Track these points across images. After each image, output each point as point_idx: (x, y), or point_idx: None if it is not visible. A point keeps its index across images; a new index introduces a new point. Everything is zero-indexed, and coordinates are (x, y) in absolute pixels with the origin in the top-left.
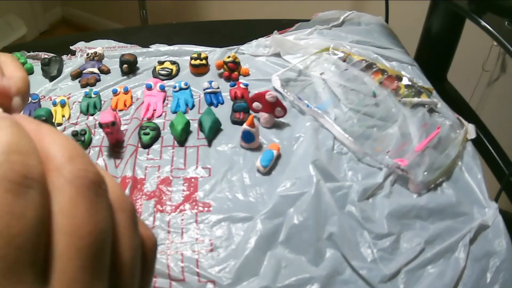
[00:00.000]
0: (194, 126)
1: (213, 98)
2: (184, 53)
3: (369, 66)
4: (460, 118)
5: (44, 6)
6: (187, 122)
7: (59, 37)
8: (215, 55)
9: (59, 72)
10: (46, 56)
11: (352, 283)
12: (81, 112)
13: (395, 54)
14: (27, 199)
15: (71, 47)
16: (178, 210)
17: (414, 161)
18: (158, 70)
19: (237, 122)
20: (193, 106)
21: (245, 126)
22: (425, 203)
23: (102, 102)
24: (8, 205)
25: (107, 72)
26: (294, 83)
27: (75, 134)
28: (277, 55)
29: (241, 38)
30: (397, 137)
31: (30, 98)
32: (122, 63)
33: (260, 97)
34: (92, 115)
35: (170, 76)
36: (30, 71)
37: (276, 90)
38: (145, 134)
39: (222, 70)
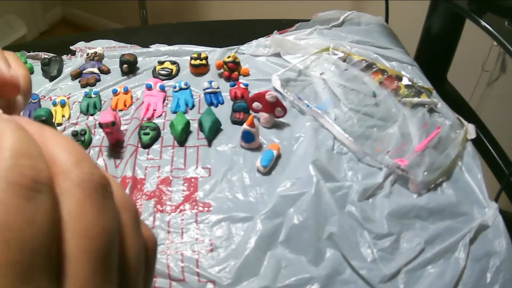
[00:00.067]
0: (194, 126)
1: (213, 98)
2: (184, 53)
3: (369, 66)
4: (460, 118)
5: (44, 6)
6: (187, 122)
7: (59, 37)
8: (215, 55)
9: (59, 72)
10: (46, 56)
11: (352, 283)
12: (81, 112)
13: (395, 54)
14: (38, 203)
15: (71, 47)
16: (178, 210)
17: (414, 161)
18: (158, 70)
19: (237, 122)
20: (193, 106)
21: (245, 126)
22: (425, 203)
23: (102, 102)
24: (20, 209)
25: (107, 72)
26: (294, 83)
27: (75, 134)
28: (277, 55)
29: (241, 38)
30: (397, 137)
31: (30, 99)
32: (122, 63)
33: (260, 97)
34: (92, 115)
35: (170, 76)
36: (30, 71)
37: (276, 90)
38: (145, 134)
39: (222, 70)
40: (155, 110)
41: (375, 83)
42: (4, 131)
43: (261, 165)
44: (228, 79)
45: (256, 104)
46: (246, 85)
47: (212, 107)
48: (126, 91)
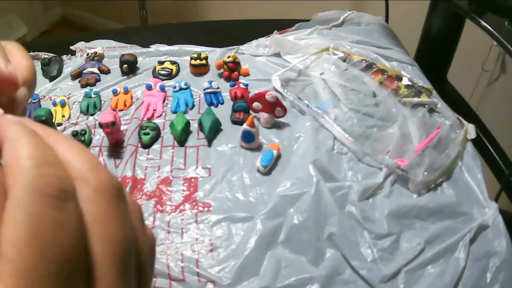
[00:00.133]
0: (194, 126)
1: (213, 98)
2: (184, 53)
3: (369, 66)
4: (460, 118)
5: (44, 6)
6: (187, 122)
7: (59, 37)
8: (215, 55)
9: (59, 72)
10: (46, 56)
11: (352, 283)
12: (81, 112)
13: (395, 54)
14: (67, 212)
15: (71, 47)
16: (178, 210)
17: (414, 161)
18: (158, 70)
19: (237, 122)
20: (193, 106)
21: (245, 126)
22: (425, 203)
23: (102, 102)
24: (53, 220)
25: (107, 72)
26: (294, 83)
27: (75, 134)
28: (277, 55)
29: (241, 38)
30: (397, 137)
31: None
32: (122, 63)
33: (260, 97)
34: (92, 115)
35: (170, 76)
36: None
37: (276, 90)
38: (145, 134)
39: (222, 70)
40: (155, 110)
41: (375, 83)
42: (18, 136)
43: (261, 165)
44: (228, 79)
45: (256, 104)
46: (246, 85)
47: (212, 107)
48: (126, 91)
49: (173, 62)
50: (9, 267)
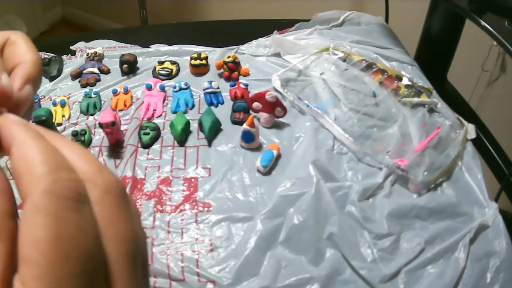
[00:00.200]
0: (194, 126)
1: (213, 98)
2: (184, 53)
3: (369, 66)
4: (460, 118)
5: (44, 6)
6: (187, 122)
7: (59, 37)
8: (215, 55)
9: (59, 72)
10: (46, 56)
11: (352, 283)
12: (81, 112)
13: (395, 54)
14: (85, 213)
15: (71, 47)
16: (178, 210)
17: (414, 161)
18: (158, 70)
19: (237, 122)
20: (193, 106)
21: (245, 126)
22: (425, 203)
23: (102, 102)
24: (74, 222)
25: (107, 72)
26: (294, 83)
27: (75, 134)
28: (277, 55)
29: (241, 38)
30: (397, 137)
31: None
32: (122, 63)
33: (260, 97)
34: (92, 115)
35: (170, 76)
36: None
37: (276, 90)
38: (145, 134)
39: (222, 70)
40: (155, 110)
41: (375, 83)
42: (25, 140)
43: (261, 165)
44: (228, 79)
45: (256, 104)
46: (246, 85)
47: (212, 107)
48: (126, 91)
49: (173, 62)
50: (34, 271)
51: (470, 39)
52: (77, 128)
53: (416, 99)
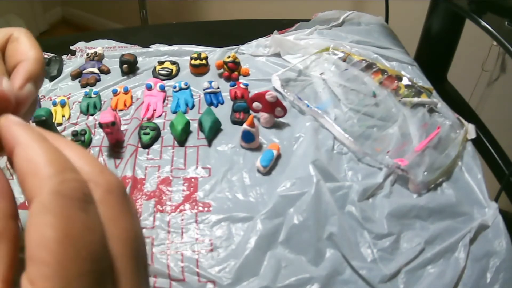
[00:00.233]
0: (194, 126)
1: (213, 98)
2: (184, 53)
3: (369, 66)
4: (460, 118)
5: (44, 6)
6: (187, 122)
7: (59, 37)
8: (215, 55)
9: (59, 72)
10: (46, 56)
11: (352, 283)
12: (81, 112)
13: (395, 54)
14: (91, 213)
15: (71, 47)
16: (178, 210)
17: (414, 161)
18: (158, 70)
19: (237, 122)
20: (193, 106)
21: (245, 126)
22: (425, 203)
23: (102, 102)
24: (82, 222)
25: (107, 72)
26: (294, 83)
27: (75, 134)
28: (277, 55)
29: (241, 38)
30: (397, 137)
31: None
32: (122, 63)
33: (260, 97)
34: (92, 115)
35: (170, 76)
36: None
37: (276, 90)
38: (145, 134)
39: (222, 70)
40: (155, 110)
41: (375, 83)
42: (28, 141)
43: (261, 165)
44: (228, 79)
45: (256, 104)
46: (246, 85)
47: (212, 107)
48: (126, 91)
49: (173, 62)
50: (43, 270)
51: (470, 39)
52: (77, 128)
53: (416, 99)
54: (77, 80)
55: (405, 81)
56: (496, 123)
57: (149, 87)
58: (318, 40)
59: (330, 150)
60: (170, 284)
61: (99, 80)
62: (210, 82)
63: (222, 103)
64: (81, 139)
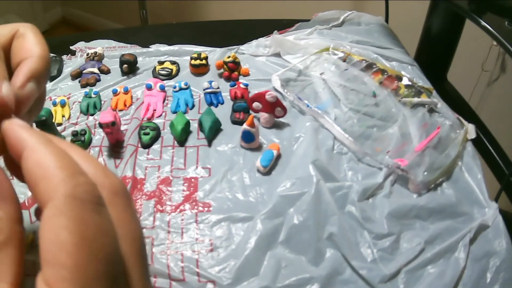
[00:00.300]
0: (194, 126)
1: (213, 98)
2: (184, 53)
3: (369, 66)
4: (460, 118)
5: (44, 6)
6: (187, 122)
7: (59, 37)
8: (215, 55)
9: (59, 72)
10: None
11: (352, 283)
12: (81, 112)
13: (395, 54)
14: (104, 215)
15: (71, 47)
16: (178, 210)
17: (414, 161)
18: (158, 70)
19: (237, 122)
20: (193, 106)
21: (245, 126)
22: (425, 203)
23: (102, 102)
24: (96, 224)
25: (107, 72)
26: (294, 83)
27: (75, 134)
28: (277, 55)
29: (241, 38)
30: (397, 137)
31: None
32: (122, 63)
33: (260, 97)
34: (92, 115)
35: (170, 76)
36: None
37: (276, 90)
38: (145, 134)
39: (222, 70)
40: (155, 110)
41: (375, 83)
42: (36, 145)
43: (261, 165)
44: (228, 79)
45: (256, 104)
46: (246, 85)
47: (212, 107)
48: (126, 91)
49: (173, 62)
50: (61, 272)
51: (470, 39)
52: (77, 128)
53: (416, 99)
54: (77, 80)
55: (405, 81)
56: (496, 123)
57: (149, 87)
58: (318, 40)
59: (330, 150)
60: (170, 284)
61: (99, 80)
62: (210, 82)
63: (222, 103)
64: (81, 139)
